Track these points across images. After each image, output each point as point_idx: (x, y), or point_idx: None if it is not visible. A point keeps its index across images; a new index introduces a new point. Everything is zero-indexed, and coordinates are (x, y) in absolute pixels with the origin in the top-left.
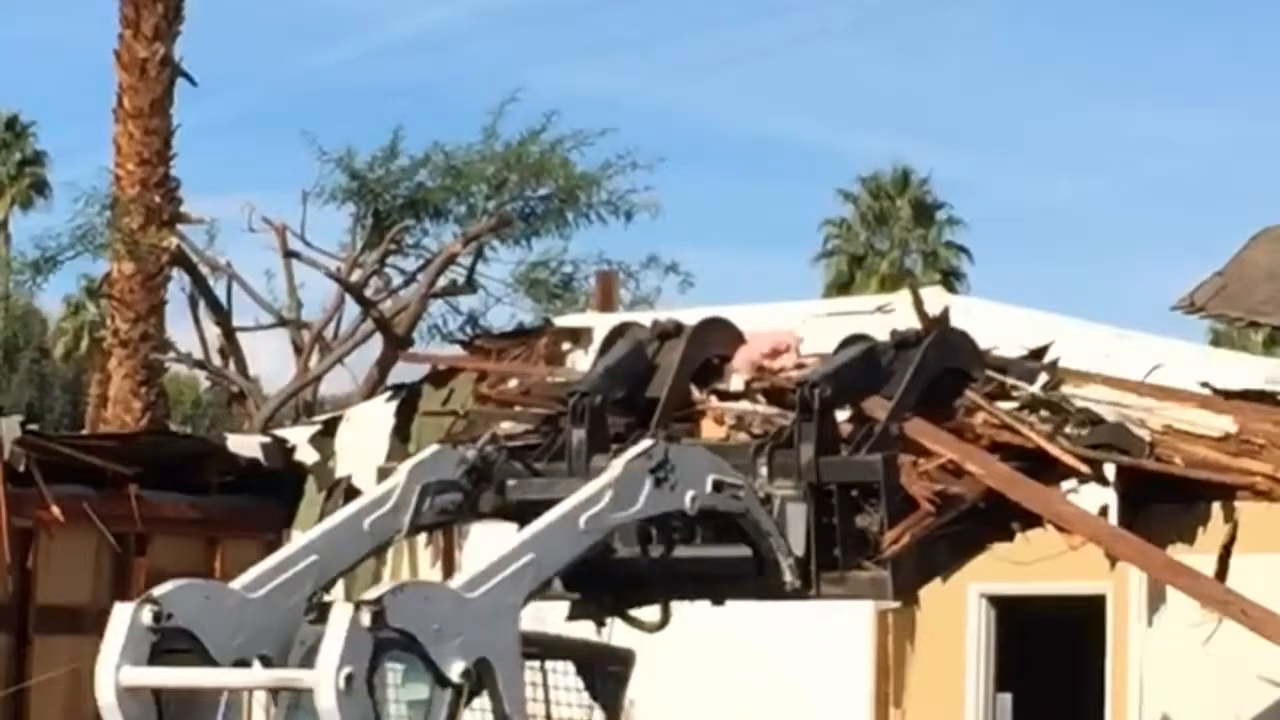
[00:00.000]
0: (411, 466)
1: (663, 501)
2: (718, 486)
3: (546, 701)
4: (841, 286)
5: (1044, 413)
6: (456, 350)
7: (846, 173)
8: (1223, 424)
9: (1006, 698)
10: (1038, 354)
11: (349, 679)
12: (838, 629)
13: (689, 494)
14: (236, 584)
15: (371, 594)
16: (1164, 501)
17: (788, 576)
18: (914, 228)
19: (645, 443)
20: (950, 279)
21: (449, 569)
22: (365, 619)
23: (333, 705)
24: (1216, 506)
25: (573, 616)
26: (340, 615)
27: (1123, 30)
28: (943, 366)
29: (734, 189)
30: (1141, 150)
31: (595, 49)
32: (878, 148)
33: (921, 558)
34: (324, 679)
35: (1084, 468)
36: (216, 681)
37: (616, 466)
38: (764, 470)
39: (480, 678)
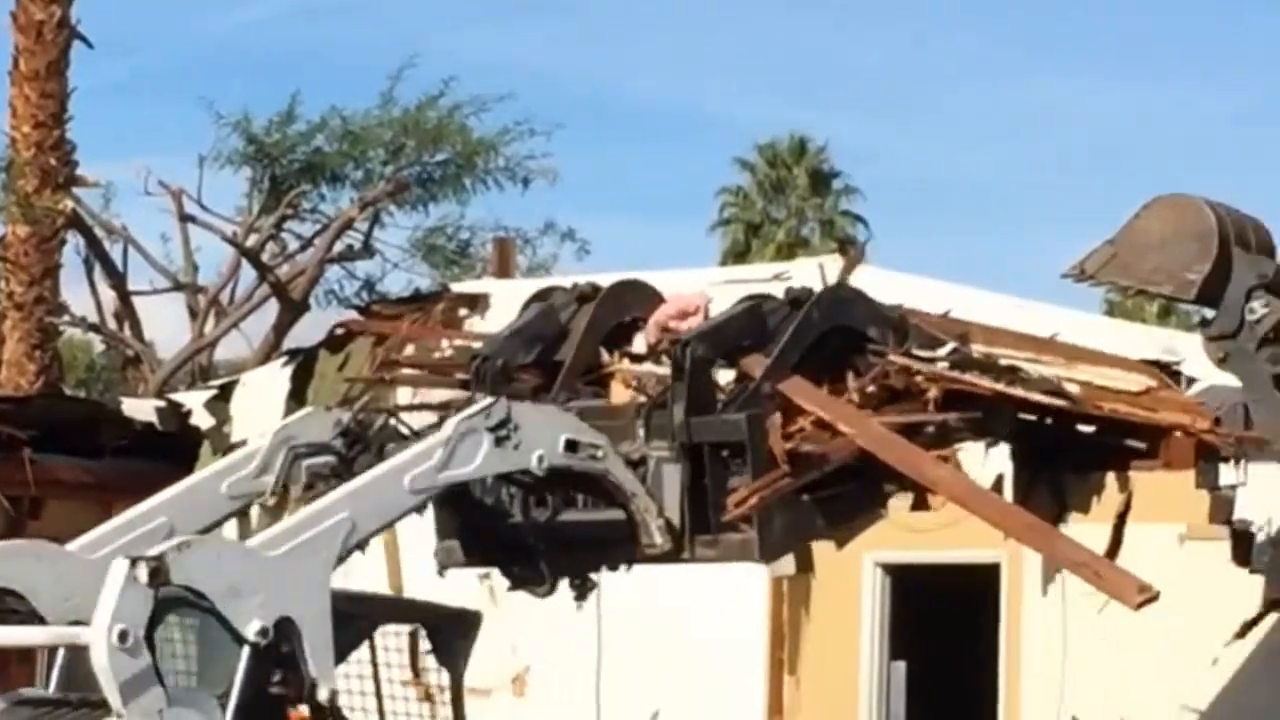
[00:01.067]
0: (279, 428)
1: (505, 460)
2: (572, 446)
3: (374, 664)
4: (738, 255)
5: (970, 370)
6: (357, 319)
7: (744, 141)
8: (1139, 381)
9: (900, 666)
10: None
11: (122, 635)
12: (733, 596)
13: (535, 454)
14: (76, 544)
15: (155, 550)
16: (1060, 469)
17: (657, 539)
18: (810, 196)
19: (485, 401)
20: (847, 247)
21: None
22: (142, 574)
23: (105, 662)
24: (1111, 477)
25: (514, 587)
26: (116, 570)
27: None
28: (832, 325)
29: (632, 156)
30: (1043, 121)
31: (494, 15)
32: (776, 116)
33: (793, 520)
34: (97, 635)
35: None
36: None
37: (450, 424)
38: (641, 432)
39: (287, 638)
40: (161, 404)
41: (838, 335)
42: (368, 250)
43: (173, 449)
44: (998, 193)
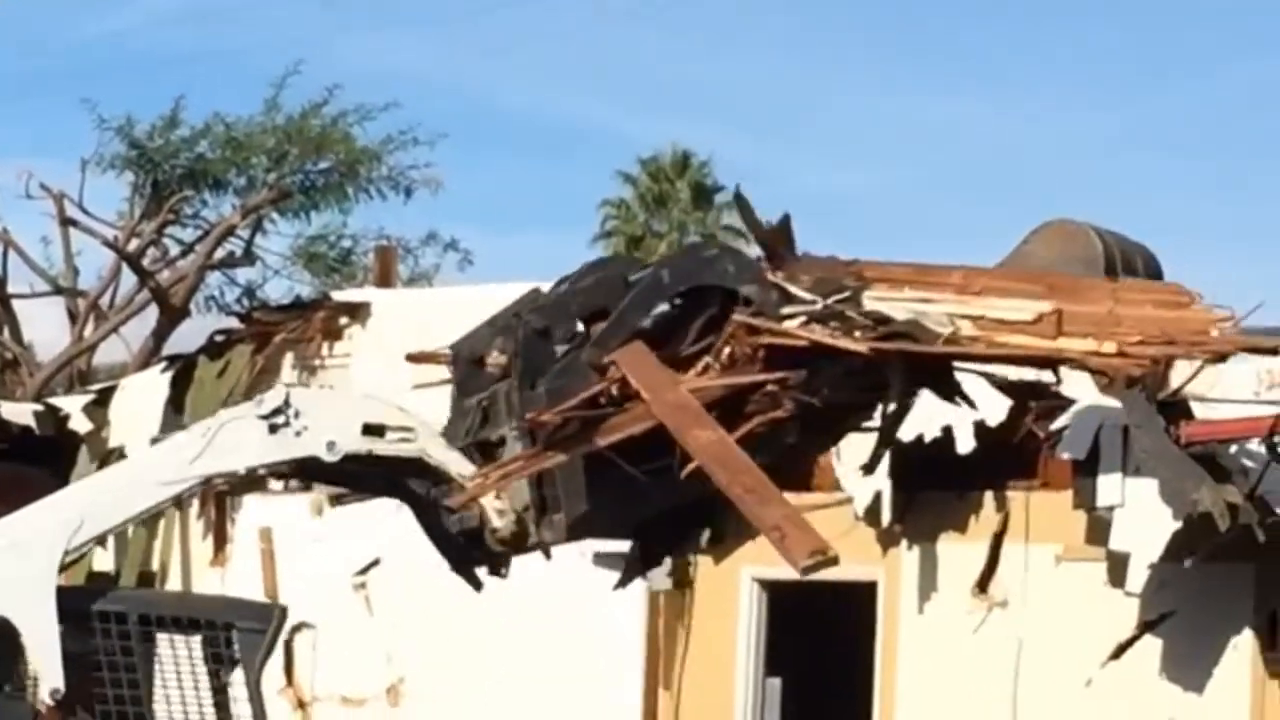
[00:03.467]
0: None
1: (285, 448)
2: (376, 430)
3: (149, 666)
4: None
5: (833, 323)
6: (233, 323)
7: (627, 154)
8: (1041, 308)
9: (775, 682)
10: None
11: None
12: (610, 610)
13: (325, 440)
14: None
15: None
16: (939, 488)
17: (495, 522)
18: (693, 211)
19: (270, 392)
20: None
21: (220, 542)
22: None
23: None
24: (989, 496)
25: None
26: None
27: (915, 18)
28: (690, 285)
29: (515, 168)
30: (932, 139)
31: (380, 23)
32: (659, 130)
33: (614, 496)
34: None
35: (862, 348)
36: None
37: (218, 415)
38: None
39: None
40: (39, 408)
41: (713, 296)
42: (249, 257)
43: (50, 453)
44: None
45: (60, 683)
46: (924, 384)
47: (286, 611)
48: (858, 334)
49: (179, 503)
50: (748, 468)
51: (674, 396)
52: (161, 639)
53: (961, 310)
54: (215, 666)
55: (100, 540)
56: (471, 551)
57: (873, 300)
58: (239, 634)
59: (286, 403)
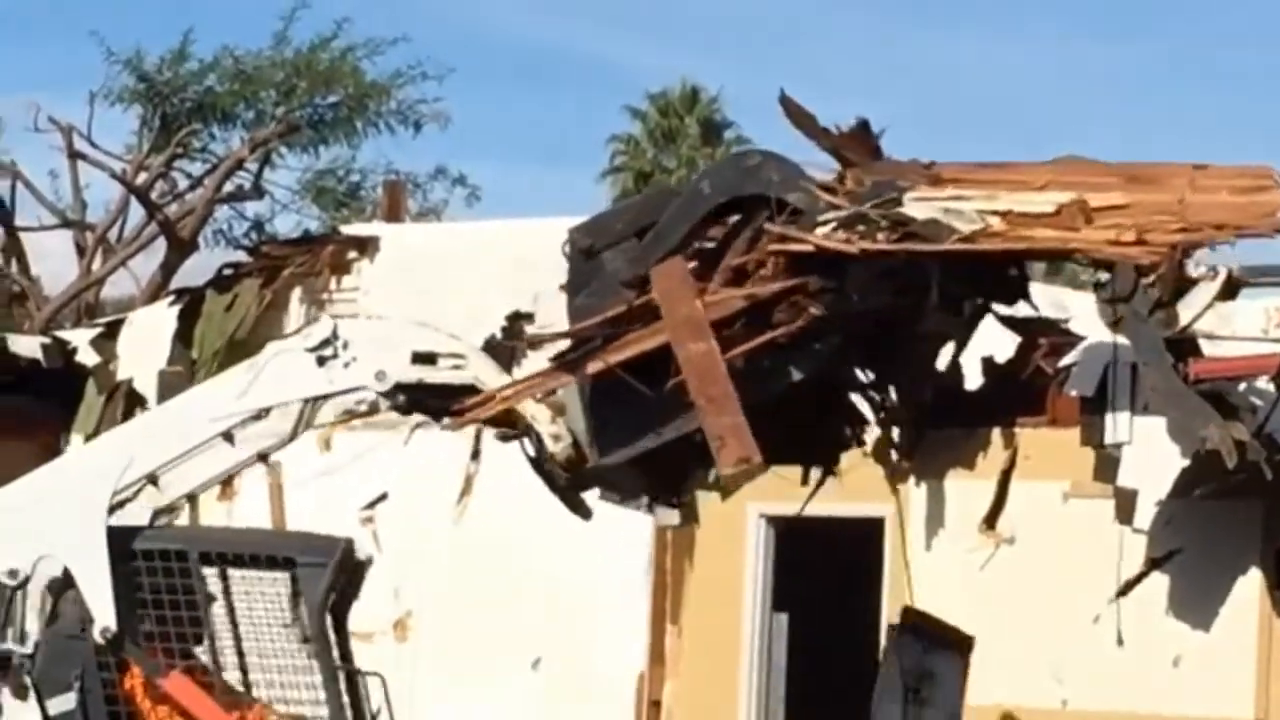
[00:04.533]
0: None
1: (334, 380)
2: (427, 359)
3: (229, 601)
4: None
5: (859, 227)
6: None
7: (636, 89)
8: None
9: (783, 618)
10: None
11: None
12: (617, 545)
13: (374, 369)
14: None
15: None
16: (947, 425)
17: (551, 447)
18: (702, 146)
19: (317, 324)
20: None
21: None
22: None
23: None
24: (997, 433)
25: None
26: None
27: None
28: (732, 196)
29: (524, 103)
30: (941, 76)
31: None
32: (669, 64)
33: (632, 419)
34: None
35: (853, 250)
36: None
37: (266, 349)
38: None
39: (64, 578)
40: (47, 341)
41: (755, 206)
42: (257, 191)
43: (57, 386)
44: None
45: (113, 622)
46: (980, 290)
47: (353, 545)
48: (880, 237)
49: (229, 437)
50: (720, 379)
51: (685, 310)
52: (232, 576)
53: (990, 206)
54: (279, 604)
55: (152, 479)
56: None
57: (910, 201)
58: (301, 569)
59: (334, 334)
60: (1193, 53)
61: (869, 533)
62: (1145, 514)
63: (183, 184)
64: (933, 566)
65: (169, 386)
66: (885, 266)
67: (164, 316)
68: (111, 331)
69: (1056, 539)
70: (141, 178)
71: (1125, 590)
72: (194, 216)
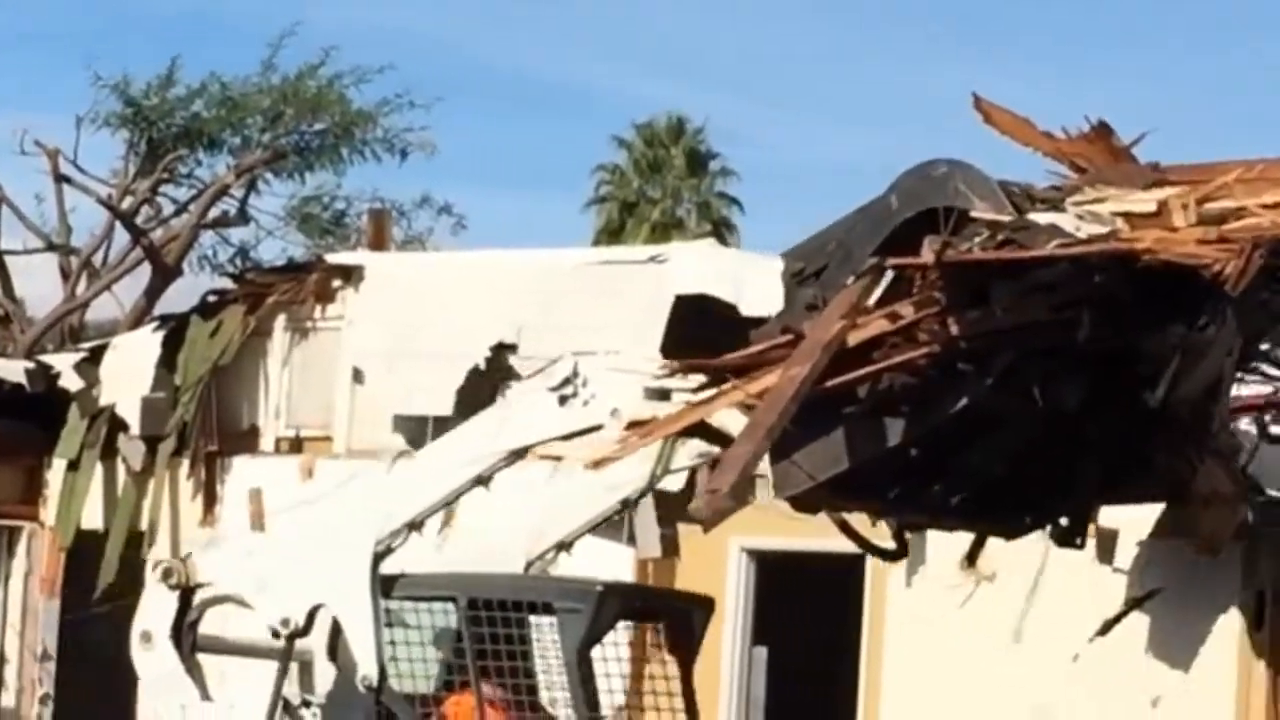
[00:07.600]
0: None
1: (572, 420)
2: (661, 394)
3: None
4: (612, 233)
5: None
6: (226, 282)
7: (622, 119)
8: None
9: (762, 651)
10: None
11: (145, 635)
12: (597, 576)
13: (609, 407)
14: None
15: (187, 550)
16: None
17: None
18: (687, 177)
19: (554, 364)
20: (722, 230)
21: (210, 501)
22: (157, 577)
23: (132, 661)
24: None
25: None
26: (149, 573)
27: None
28: (920, 209)
29: (509, 131)
30: (932, 107)
31: None
32: (655, 95)
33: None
34: (131, 636)
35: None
36: None
37: (510, 390)
38: None
39: (333, 629)
40: (30, 365)
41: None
42: (243, 217)
43: (40, 410)
44: (877, 179)
45: (374, 672)
46: (1155, 310)
47: (612, 590)
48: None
49: (483, 482)
50: (779, 408)
51: (820, 334)
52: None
53: (1122, 209)
54: (540, 649)
55: (415, 526)
56: None
57: (1070, 206)
58: (559, 614)
59: (575, 372)
60: None
61: (849, 567)
62: (1126, 554)
63: (168, 209)
64: (913, 602)
65: (152, 412)
66: (1034, 281)
67: (148, 342)
68: (95, 356)
69: (1037, 577)
70: (127, 202)
71: (1105, 630)
72: (179, 242)
